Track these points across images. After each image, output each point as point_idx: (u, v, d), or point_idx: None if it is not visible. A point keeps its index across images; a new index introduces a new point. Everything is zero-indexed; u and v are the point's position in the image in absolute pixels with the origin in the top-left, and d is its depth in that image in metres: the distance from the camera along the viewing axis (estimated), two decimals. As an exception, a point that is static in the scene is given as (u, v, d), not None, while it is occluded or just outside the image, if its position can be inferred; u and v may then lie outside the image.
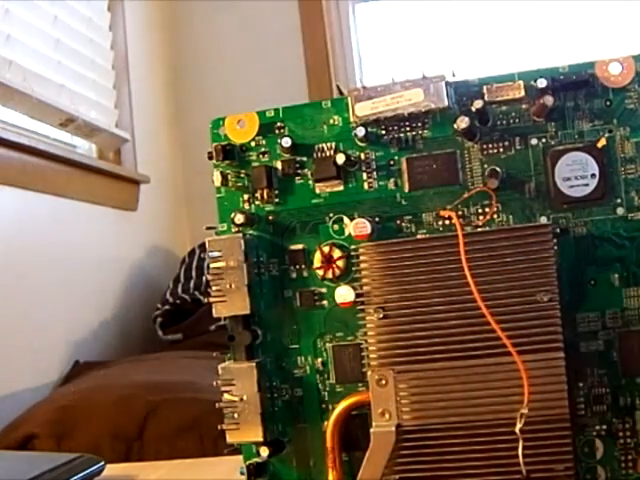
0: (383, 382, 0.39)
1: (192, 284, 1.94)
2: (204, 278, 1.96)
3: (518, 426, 0.37)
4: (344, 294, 0.42)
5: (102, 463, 0.68)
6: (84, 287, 1.74)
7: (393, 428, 0.39)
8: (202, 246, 2.06)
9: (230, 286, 0.43)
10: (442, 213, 0.41)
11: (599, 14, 2.35)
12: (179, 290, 1.92)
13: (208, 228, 0.45)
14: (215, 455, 1.01)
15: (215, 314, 0.45)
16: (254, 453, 0.44)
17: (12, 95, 1.51)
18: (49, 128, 1.73)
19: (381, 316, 0.39)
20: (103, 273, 1.85)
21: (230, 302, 0.43)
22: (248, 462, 0.44)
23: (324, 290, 0.43)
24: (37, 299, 1.54)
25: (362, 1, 2.48)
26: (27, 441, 1.05)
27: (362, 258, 0.41)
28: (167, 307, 1.85)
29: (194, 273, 1.97)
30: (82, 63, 1.85)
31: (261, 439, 0.42)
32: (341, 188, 0.43)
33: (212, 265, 0.43)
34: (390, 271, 0.39)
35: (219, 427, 0.43)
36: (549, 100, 0.39)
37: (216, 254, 0.43)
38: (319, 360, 0.43)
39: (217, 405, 0.46)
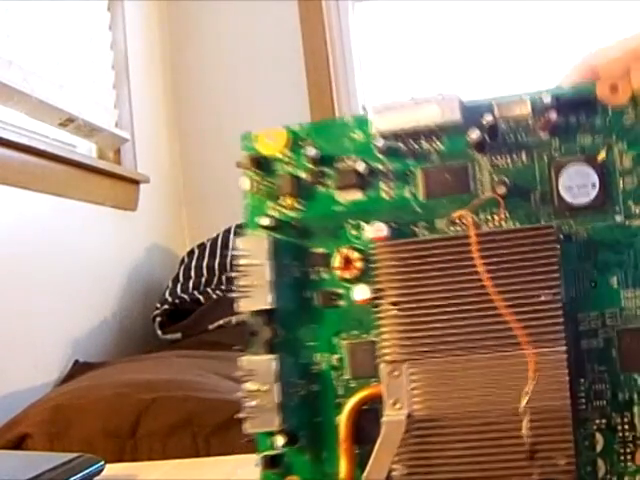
0: (395, 374, 0.41)
1: (191, 284, 1.94)
2: (203, 278, 1.96)
3: (523, 403, 0.39)
4: (361, 292, 0.45)
5: (102, 463, 0.68)
6: (84, 287, 1.74)
7: (404, 417, 0.41)
8: (201, 246, 2.06)
9: (254, 283, 0.45)
10: (456, 214, 0.43)
11: (597, 20, 2.35)
12: (178, 290, 1.92)
13: (238, 227, 0.47)
14: (208, 452, 1.01)
15: (238, 309, 0.46)
16: (269, 446, 0.46)
17: (12, 95, 1.51)
18: (49, 128, 1.73)
19: (394, 311, 0.42)
20: (103, 273, 1.85)
21: (254, 298, 0.45)
22: (263, 454, 0.46)
23: (342, 291, 0.46)
24: (37, 299, 1.54)
25: (362, 0, 2.48)
26: (21, 441, 1.05)
27: (377, 257, 0.43)
28: (166, 307, 1.86)
29: (193, 273, 1.98)
30: (82, 63, 1.85)
31: (278, 428, 0.44)
32: (361, 196, 0.46)
33: (238, 262, 0.45)
34: (403, 268, 0.42)
35: (235, 416, 0.44)
36: (553, 116, 0.42)
37: (243, 252, 0.45)
38: (335, 357, 0.46)
39: (236, 395, 0.46)
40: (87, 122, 1.80)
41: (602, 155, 0.42)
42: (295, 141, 0.47)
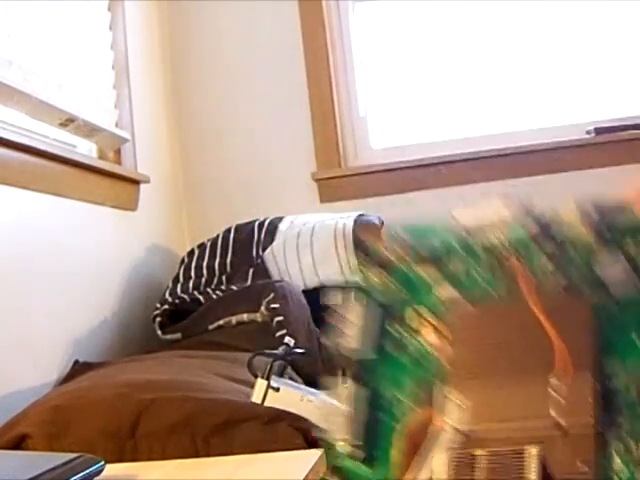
0: (448, 395, 0.53)
1: (191, 284, 1.94)
2: (203, 279, 1.96)
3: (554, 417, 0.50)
4: (430, 340, 0.57)
5: (102, 463, 0.69)
6: (84, 287, 1.74)
7: (450, 429, 0.51)
8: (201, 246, 2.06)
9: (346, 328, 0.58)
10: (512, 262, 0.57)
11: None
12: (178, 290, 1.92)
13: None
14: (207, 453, 1.01)
15: (331, 345, 0.59)
16: (338, 456, 0.57)
17: (12, 95, 1.51)
18: (49, 128, 1.73)
19: (451, 349, 0.55)
20: (103, 273, 1.85)
21: (344, 338, 0.58)
22: (330, 463, 0.57)
23: (412, 340, 0.58)
24: (37, 299, 1.54)
25: (362, 0, 2.48)
26: (20, 441, 1.05)
27: (445, 311, 0.56)
28: (166, 307, 1.86)
29: (193, 273, 1.98)
30: (82, 63, 1.85)
31: (347, 438, 0.56)
32: (436, 270, 0.59)
33: (336, 309, 0.59)
34: (464, 320, 0.55)
35: (307, 419, 0.57)
36: (594, 219, 0.56)
37: (341, 305, 0.59)
38: (400, 391, 0.57)
39: (319, 408, 0.59)
40: (87, 122, 1.80)
41: (629, 243, 0.55)
42: (391, 234, 0.62)
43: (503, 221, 0.57)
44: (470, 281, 0.57)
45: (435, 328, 0.56)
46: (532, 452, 0.49)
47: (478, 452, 0.50)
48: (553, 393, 0.50)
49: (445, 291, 0.57)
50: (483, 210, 0.58)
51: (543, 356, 0.51)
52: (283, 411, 1.08)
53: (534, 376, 0.51)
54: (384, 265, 0.60)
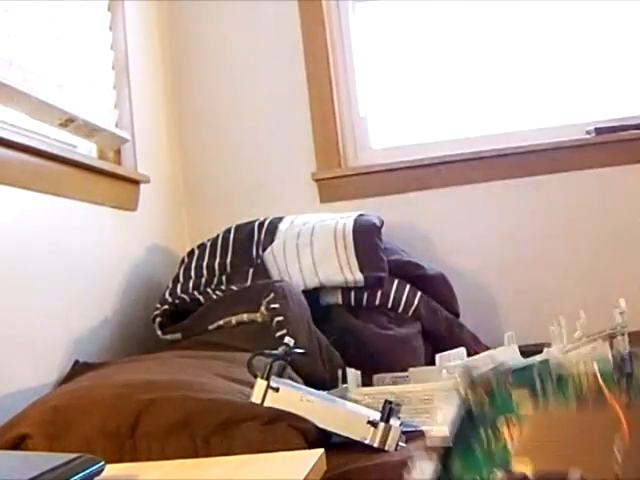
0: (514, 467, 0.66)
1: (191, 284, 1.94)
2: (203, 279, 1.96)
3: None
4: (508, 439, 0.69)
5: (102, 463, 0.69)
6: (84, 287, 1.74)
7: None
8: (201, 246, 2.06)
9: (442, 415, 0.71)
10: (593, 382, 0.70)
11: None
12: (178, 290, 1.92)
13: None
14: (206, 453, 1.01)
15: (427, 433, 0.72)
16: None
17: (12, 95, 1.51)
18: (49, 128, 1.73)
19: (523, 435, 0.68)
20: (103, 273, 1.85)
21: (437, 425, 0.70)
22: None
23: (494, 440, 0.69)
24: (37, 299, 1.54)
25: (362, 0, 2.48)
26: (20, 441, 1.05)
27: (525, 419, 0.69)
28: (166, 307, 1.86)
29: (193, 273, 1.98)
30: (82, 63, 1.85)
31: None
32: (529, 394, 0.71)
33: (438, 398, 0.74)
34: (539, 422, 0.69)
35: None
36: None
37: (444, 393, 0.74)
38: (477, 475, 0.68)
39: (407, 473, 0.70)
40: (87, 122, 1.80)
41: None
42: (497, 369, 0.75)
43: (590, 357, 0.72)
44: (553, 400, 0.72)
45: (514, 430, 0.70)
46: (575, 475, 0.61)
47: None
48: (616, 451, 0.62)
49: (530, 407, 0.71)
50: (577, 350, 0.75)
51: (608, 424, 0.63)
52: (283, 411, 1.08)
53: (597, 441, 0.63)
54: (484, 387, 0.75)
